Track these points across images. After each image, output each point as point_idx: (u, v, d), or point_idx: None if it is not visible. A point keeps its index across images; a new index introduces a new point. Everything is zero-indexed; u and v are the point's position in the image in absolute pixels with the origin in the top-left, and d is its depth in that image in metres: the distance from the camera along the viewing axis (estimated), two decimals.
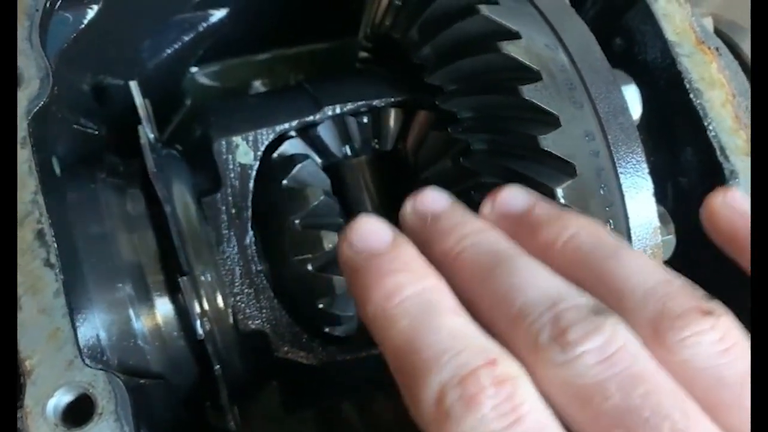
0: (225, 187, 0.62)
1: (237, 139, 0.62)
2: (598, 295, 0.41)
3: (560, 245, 0.45)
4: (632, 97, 0.65)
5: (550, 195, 0.54)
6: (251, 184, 0.63)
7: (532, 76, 0.55)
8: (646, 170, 0.57)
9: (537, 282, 0.41)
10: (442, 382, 0.37)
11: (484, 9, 0.57)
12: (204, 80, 0.89)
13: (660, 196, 0.58)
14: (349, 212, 0.73)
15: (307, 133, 0.67)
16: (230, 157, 0.62)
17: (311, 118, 0.65)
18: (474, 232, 0.46)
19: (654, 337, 0.39)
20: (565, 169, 0.54)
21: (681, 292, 0.40)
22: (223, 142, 0.62)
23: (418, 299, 0.42)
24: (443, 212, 0.49)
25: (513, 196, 0.50)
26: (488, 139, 0.58)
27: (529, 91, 0.54)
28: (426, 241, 0.47)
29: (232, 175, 0.62)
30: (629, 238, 0.56)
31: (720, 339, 0.39)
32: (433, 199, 0.50)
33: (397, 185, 0.72)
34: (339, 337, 0.67)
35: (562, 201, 0.54)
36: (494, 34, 0.57)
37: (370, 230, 0.46)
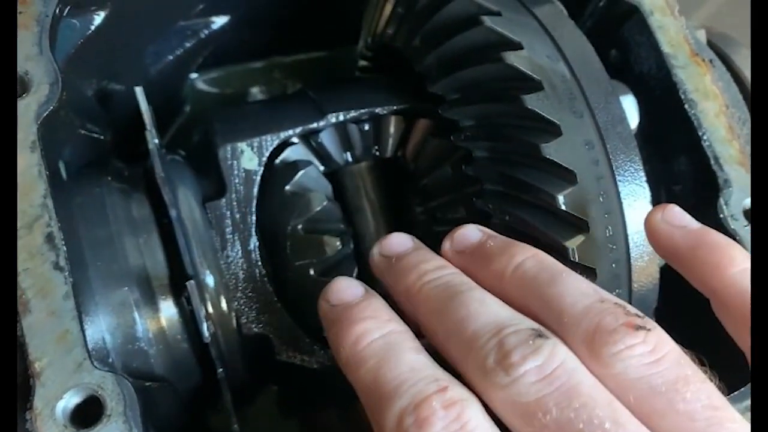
0: (230, 193, 0.63)
1: (242, 145, 0.63)
2: (543, 317, 0.45)
3: (509, 273, 0.49)
4: (630, 107, 0.66)
5: (552, 202, 0.55)
6: (256, 190, 0.63)
7: (534, 85, 0.56)
8: (644, 178, 0.59)
9: (485, 311, 0.46)
10: (400, 408, 0.42)
11: (487, 20, 0.58)
12: (203, 86, 0.89)
13: (654, 203, 0.60)
14: (350, 218, 0.75)
15: (309, 139, 0.68)
16: (235, 162, 0.63)
17: (315, 125, 0.66)
18: (433, 269, 0.51)
19: (590, 353, 0.42)
20: (566, 176, 0.55)
21: (614, 310, 0.44)
22: (229, 148, 0.63)
23: (383, 341, 0.47)
24: (406, 252, 0.54)
25: (468, 232, 0.54)
26: (490, 147, 0.60)
27: (531, 100, 0.56)
28: (392, 279, 0.52)
29: (236, 180, 0.63)
30: (627, 244, 0.58)
31: (651, 351, 0.42)
32: (397, 242, 0.55)
33: (398, 191, 0.73)
34: None
35: (563, 207, 0.55)
36: (497, 45, 0.58)
37: (345, 287, 0.52)
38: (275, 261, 0.65)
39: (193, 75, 0.88)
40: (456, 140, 0.62)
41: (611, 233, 0.57)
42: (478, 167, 0.60)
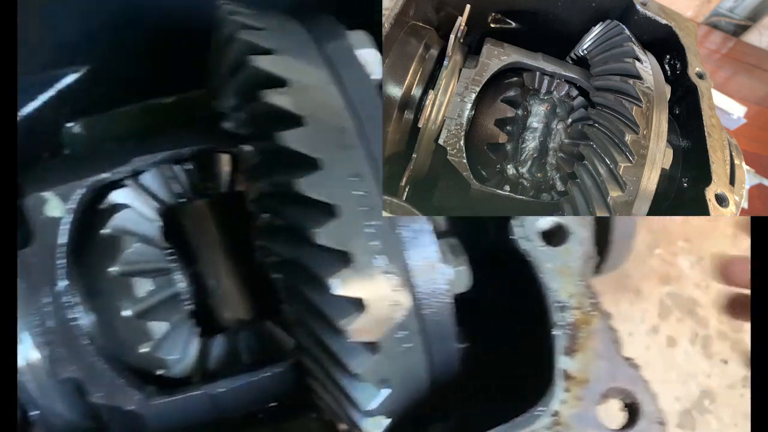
0: (36, 241, 0.64)
1: (47, 194, 0.65)
2: None
3: None
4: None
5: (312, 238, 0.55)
6: (63, 236, 0.65)
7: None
8: None
9: None
10: None
11: (256, 59, 0.59)
12: (82, 131, 0.91)
13: None
14: (191, 256, 0.75)
15: (136, 181, 0.70)
16: (40, 210, 0.64)
17: (121, 169, 0.67)
18: None
19: None
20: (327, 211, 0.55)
21: None
22: (33, 198, 0.64)
23: None
24: None
25: None
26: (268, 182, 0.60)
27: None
28: None
29: (41, 228, 0.64)
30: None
31: None
32: None
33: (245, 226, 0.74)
34: (176, 379, 0.69)
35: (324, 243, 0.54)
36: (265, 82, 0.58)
37: None
38: (92, 305, 0.66)
39: (69, 124, 0.90)
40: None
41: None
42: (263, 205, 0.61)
